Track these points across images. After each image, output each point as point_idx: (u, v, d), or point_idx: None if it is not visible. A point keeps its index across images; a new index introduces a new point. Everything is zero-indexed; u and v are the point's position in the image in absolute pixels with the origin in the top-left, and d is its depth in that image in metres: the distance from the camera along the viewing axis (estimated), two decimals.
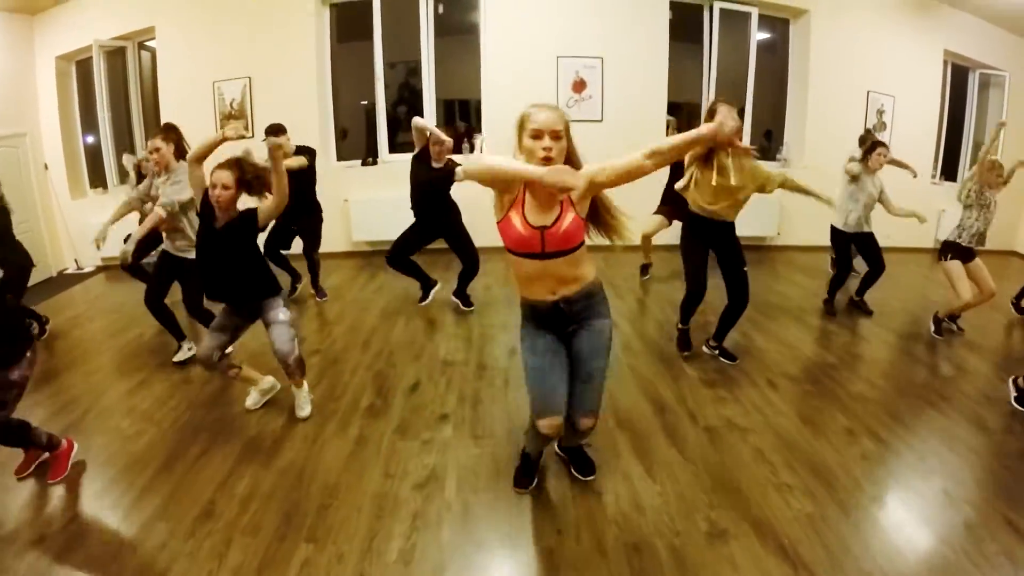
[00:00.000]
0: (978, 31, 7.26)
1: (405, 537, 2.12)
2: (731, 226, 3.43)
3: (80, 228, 6.46)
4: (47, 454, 2.57)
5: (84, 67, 6.67)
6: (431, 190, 4.32)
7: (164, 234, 3.59)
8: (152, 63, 6.65)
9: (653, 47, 6.41)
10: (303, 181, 4.54)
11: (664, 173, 5.94)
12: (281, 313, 2.93)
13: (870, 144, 4.50)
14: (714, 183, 3.20)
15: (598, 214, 2.04)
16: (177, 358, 3.76)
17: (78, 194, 6.87)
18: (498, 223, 1.96)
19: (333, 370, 3.59)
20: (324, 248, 6.26)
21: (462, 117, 7.40)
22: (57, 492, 2.45)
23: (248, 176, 2.76)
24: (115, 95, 6.71)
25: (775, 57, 7.18)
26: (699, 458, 2.61)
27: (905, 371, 3.71)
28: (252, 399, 3.13)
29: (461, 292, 4.61)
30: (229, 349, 3.10)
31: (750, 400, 3.16)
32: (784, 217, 6.93)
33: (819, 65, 6.75)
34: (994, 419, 3.00)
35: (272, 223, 3.08)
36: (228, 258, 2.84)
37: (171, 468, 2.58)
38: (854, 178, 4.41)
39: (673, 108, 6.78)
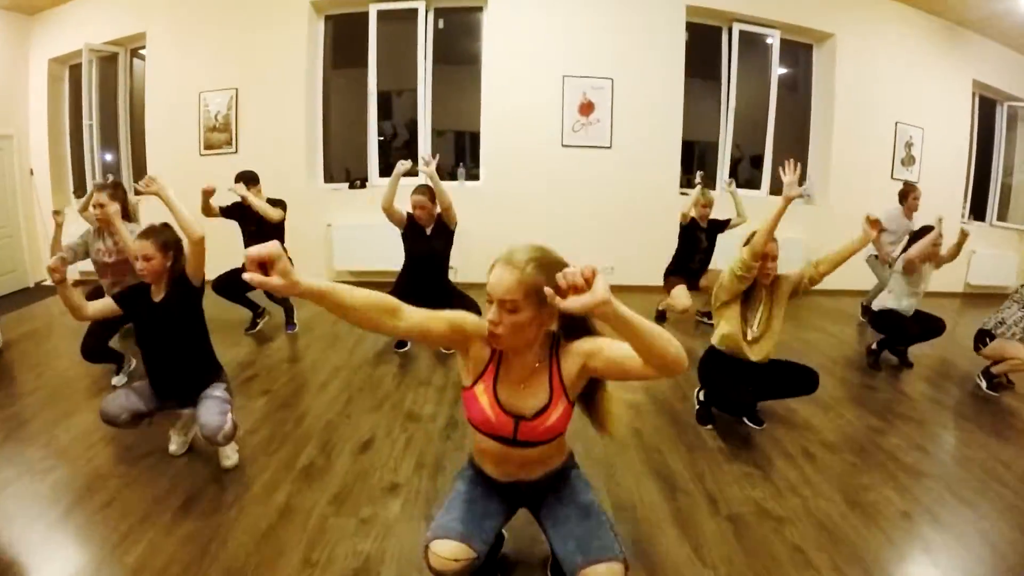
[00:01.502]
0: (1007, 61, 6.88)
1: None
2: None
3: (63, 237, 6.06)
4: None
5: (77, 73, 6.41)
6: (431, 263, 3.90)
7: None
8: (143, 72, 6.36)
9: (669, 68, 5.96)
10: (275, 231, 4.08)
11: (672, 201, 5.58)
12: (217, 389, 2.48)
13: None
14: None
15: (593, 399, 1.58)
16: (115, 380, 3.43)
17: (62, 202, 6.49)
18: (463, 390, 1.52)
19: (278, 416, 3.01)
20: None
21: (458, 151, 6.97)
22: None
23: (171, 239, 2.42)
24: (104, 103, 6.40)
25: (796, 96, 6.75)
26: (720, 559, 1.97)
27: (958, 434, 3.12)
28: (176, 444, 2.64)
29: None
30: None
31: (784, 477, 2.53)
32: (809, 259, 6.33)
33: (844, 93, 6.30)
34: None
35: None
36: (173, 337, 2.45)
37: (69, 517, 2.15)
38: (910, 269, 3.93)
39: (688, 146, 6.32)
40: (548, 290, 1.04)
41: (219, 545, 1.98)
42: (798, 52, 6.61)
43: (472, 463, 1.67)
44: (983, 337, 3.76)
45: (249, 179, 4.10)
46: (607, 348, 1.35)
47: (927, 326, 4.02)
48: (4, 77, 6.05)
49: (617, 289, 5.25)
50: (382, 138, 6.35)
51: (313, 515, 2.16)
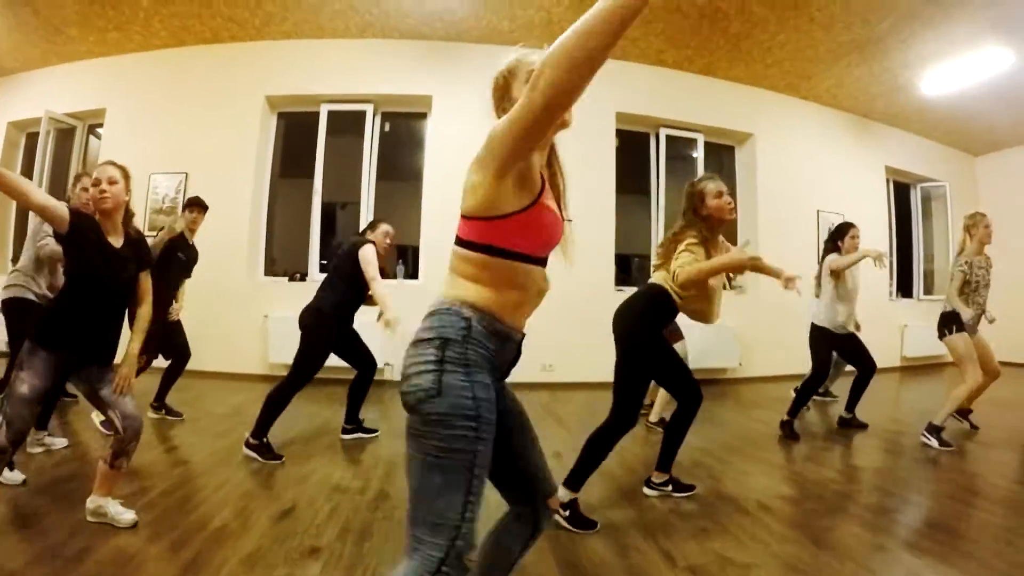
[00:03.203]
0: (915, 146, 7.71)
1: None
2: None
3: None
4: None
5: (33, 140, 6.36)
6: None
7: None
8: (98, 150, 6.33)
9: (601, 176, 6.22)
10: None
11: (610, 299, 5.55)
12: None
13: (839, 227, 4.24)
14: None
15: None
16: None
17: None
18: (513, 215, 1.17)
19: (194, 484, 2.70)
20: (237, 368, 5.48)
21: (399, 256, 7.05)
22: None
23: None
24: (56, 174, 6.27)
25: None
26: None
27: (921, 474, 3.10)
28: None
29: (353, 415, 3.68)
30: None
31: (742, 528, 2.37)
32: (743, 347, 6.42)
33: (767, 187, 6.79)
34: None
35: None
36: (120, 291, 2.21)
37: None
38: (837, 275, 4.01)
39: (623, 259, 6.60)
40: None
41: None
42: (722, 154, 7.21)
43: (474, 366, 1.15)
44: (948, 322, 3.81)
45: (195, 205, 3.95)
46: None
47: (857, 357, 4.07)
48: None
49: (557, 386, 5.15)
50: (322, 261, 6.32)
51: (222, 572, 1.86)
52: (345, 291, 3.36)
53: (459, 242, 1.20)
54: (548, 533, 2.29)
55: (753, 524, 2.41)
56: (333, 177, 6.32)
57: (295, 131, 6.50)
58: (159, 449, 3.24)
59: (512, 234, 1.16)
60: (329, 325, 3.33)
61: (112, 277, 2.15)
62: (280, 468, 3.01)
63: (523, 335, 1.27)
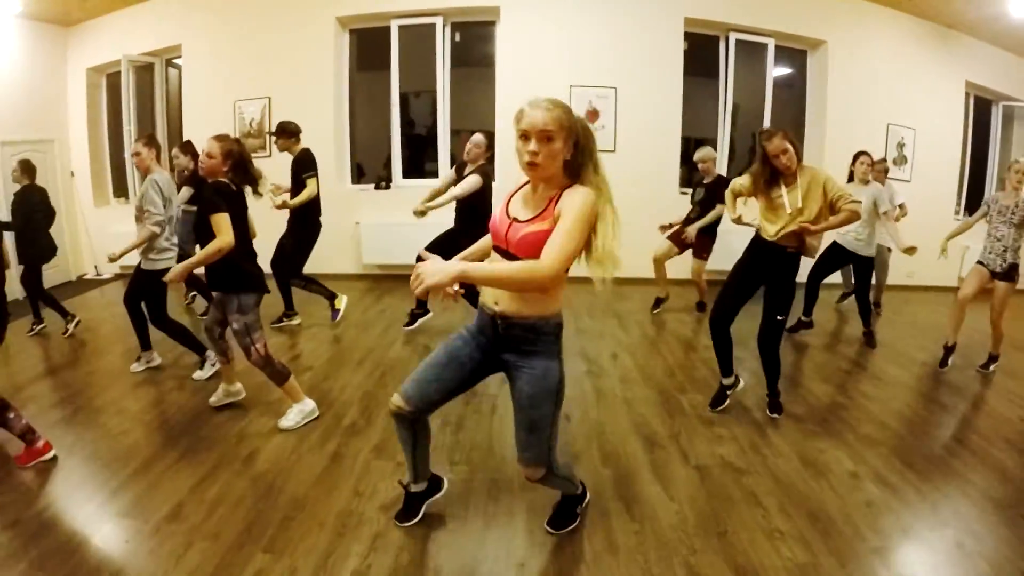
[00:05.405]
0: (1001, 62, 7.13)
1: (361, 557, 2.02)
2: (790, 257, 3.05)
3: (102, 235, 6.67)
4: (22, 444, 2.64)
5: (114, 80, 6.94)
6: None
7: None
8: (179, 80, 6.90)
9: (668, 77, 6.38)
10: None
11: (672, 201, 6.04)
12: (234, 321, 2.87)
13: (852, 157, 4.51)
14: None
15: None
16: (133, 367, 3.83)
17: (101, 202, 7.11)
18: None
19: (322, 387, 3.53)
20: (334, 270, 6.25)
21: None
22: (36, 480, 2.52)
23: (234, 150, 2.86)
24: (142, 109, 6.95)
25: (793, 92, 7.10)
26: (685, 498, 2.45)
27: (921, 414, 3.49)
28: (216, 396, 3.21)
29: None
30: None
31: (749, 440, 2.99)
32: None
33: (837, 97, 6.63)
34: (1017, 467, 2.79)
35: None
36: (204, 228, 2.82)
37: (149, 468, 2.62)
38: None
39: (687, 142, 6.73)
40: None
41: (283, 482, 2.49)
42: (794, 54, 6.96)
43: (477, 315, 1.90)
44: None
45: (282, 132, 4.50)
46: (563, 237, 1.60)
47: (860, 283, 4.59)
48: (44, 85, 6.58)
49: (623, 281, 5.65)
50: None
51: (359, 459, 2.68)
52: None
53: None
54: (596, 431, 3.01)
55: (759, 438, 3.01)
56: (407, 69, 6.68)
57: (367, 35, 6.79)
58: (287, 357, 4.07)
59: None
60: None
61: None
62: (390, 370, 3.81)
63: (492, 315, 1.77)
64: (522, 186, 1.81)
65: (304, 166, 4.53)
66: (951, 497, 2.52)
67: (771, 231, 3.01)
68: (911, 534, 2.28)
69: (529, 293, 1.68)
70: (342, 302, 4.82)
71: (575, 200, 1.61)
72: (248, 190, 3.00)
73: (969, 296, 3.99)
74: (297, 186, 4.55)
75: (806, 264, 3.36)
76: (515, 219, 1.71)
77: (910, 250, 4.10)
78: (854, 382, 3.91)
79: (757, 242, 3.13)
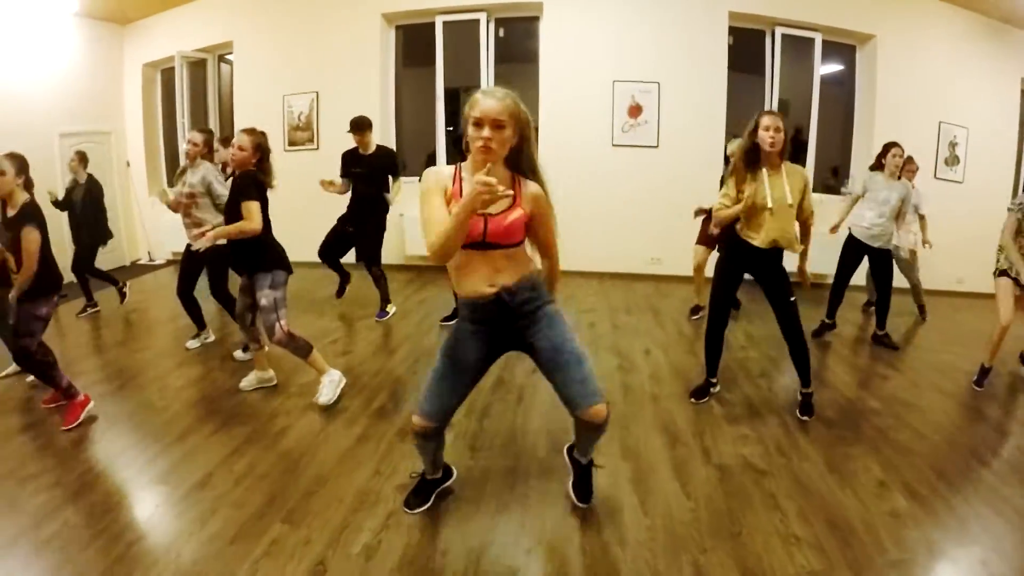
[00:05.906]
0: None
1: (374, 533, 2.12)
2: (775, 252, 3.11)
3: (155, 222, 7.05)
4: (64, 401, 2.89)
5: (168, 75, 7.35)
6: None
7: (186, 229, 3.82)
8: (230, 75, 7.23)
9: (711, 73, 6.28)
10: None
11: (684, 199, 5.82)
12: (264, 297, 3.02)
13: (884, 147, 4.35)
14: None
15: (534, 229, 1.99)
16: (189, 344, 4.09)
17: (155, 191, 7.38)
18: None
19: (355, 372, 3.66)
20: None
21: None
22: (80, 444, 2.75)
23: (263, 143, 3.06)
24: (195, 102, 7.33)
25: (841, 89, 6.86)
26: (702, 496, 2.44)
27: (959, 423, 3.35)
28: (247, 380, 3.36)
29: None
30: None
31: (774, 441, 2.94)
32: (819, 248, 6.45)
33: (887, 94, 6.38)
34: None
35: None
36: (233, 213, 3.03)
37: (184, 440, 2.80)
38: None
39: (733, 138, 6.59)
40: None
41: (309, 460, 2.63)
42: (842, 50, 6.71)
43: (461, 319, 2.05)
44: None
45: (359, 124, 4.51)
46: (551, 223, 2.00)
47: (877, 279, 4.48)
48: (101, 80, 7.02)
49: (662, 279, 5.68)
50: (450, 128, 6.90)
51: (383, 441, 2.79)
52: None
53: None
54: (620, 424, 3.01)
55: (786, 439, 2.95)
56: (453, 65, 6.78)
57: (413, 31, 6.92)
58: (323, 342, 4.21)
59: None
60: None
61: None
62: (423, 357, 3.92)
63: (495, 293, 1.90)
64: (456, 178, 1.90)
65: (394, 168, 4.77)
66: (982, 513, 2.41)
67: (761, 239, 3.04)
68: (934, 549, 2.19)
69: (521, 259, 1.95)
70: (392, 308, 4.98)
71: (546, 200, 1.95)
72: None
73: (1012, 319, 3.71)
74: (367, 180, 4.64)
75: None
76: (488, 215, 1.82)
77: (911, 253, 4.04)
78: (892, 389, 3.77)
79: (739, 247, 3.15)
